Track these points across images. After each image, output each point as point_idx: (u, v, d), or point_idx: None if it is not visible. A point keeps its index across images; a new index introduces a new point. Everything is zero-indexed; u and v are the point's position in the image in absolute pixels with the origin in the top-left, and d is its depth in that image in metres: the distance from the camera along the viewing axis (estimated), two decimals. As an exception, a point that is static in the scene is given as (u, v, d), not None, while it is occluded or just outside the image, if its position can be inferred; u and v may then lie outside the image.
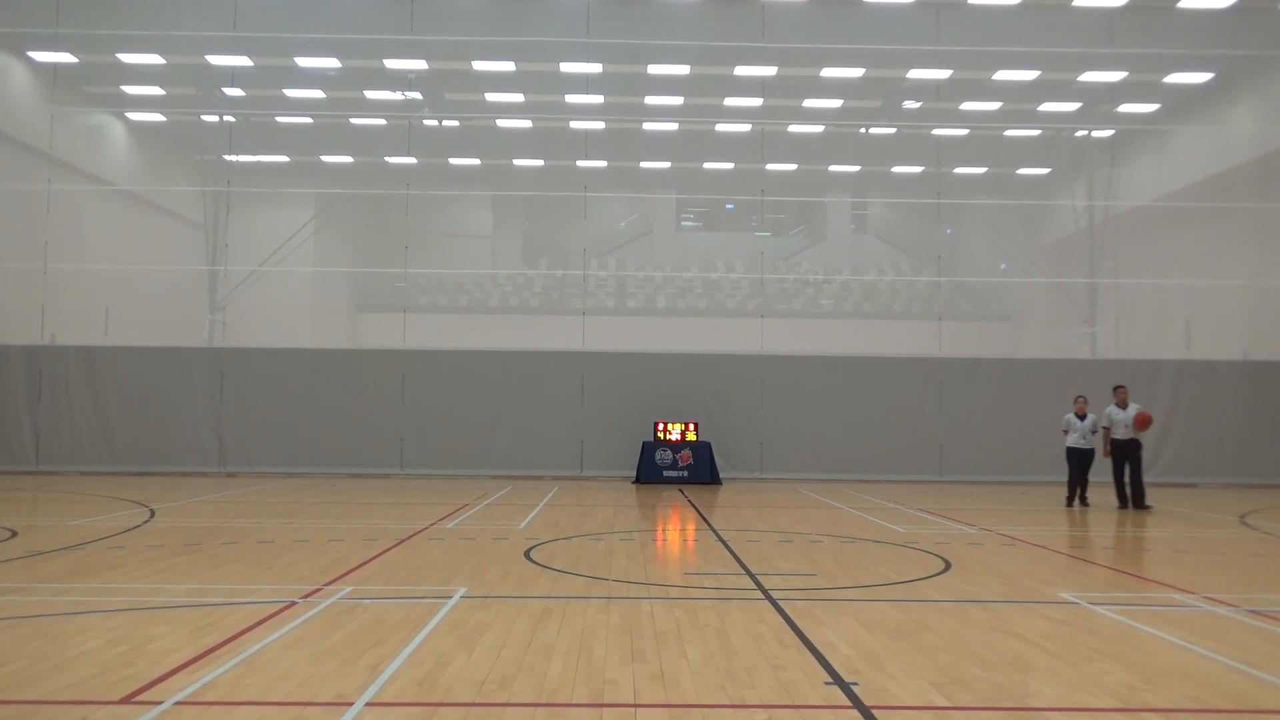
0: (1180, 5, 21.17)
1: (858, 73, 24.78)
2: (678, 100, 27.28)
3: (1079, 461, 15.05)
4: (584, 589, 7.51)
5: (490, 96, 27.17)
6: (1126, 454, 14.51)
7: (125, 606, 6.60)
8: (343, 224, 30.62)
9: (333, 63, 24.73)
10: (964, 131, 26.79)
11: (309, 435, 19.77)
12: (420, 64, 24.73)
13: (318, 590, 7.21)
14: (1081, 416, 15.07)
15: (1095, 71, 23.98)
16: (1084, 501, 15.08)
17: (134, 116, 27.23)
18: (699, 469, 18.84)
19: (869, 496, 16.47)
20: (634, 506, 14.44)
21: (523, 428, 20.10)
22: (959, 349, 22.08)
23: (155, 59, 24.06)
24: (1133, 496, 14.47)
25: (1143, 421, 14.39)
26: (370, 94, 27.09)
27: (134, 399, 19.76)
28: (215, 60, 23.92)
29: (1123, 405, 14.61)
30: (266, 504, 14.09)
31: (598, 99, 26.62)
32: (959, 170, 29.71)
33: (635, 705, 4.49)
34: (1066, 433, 15.24)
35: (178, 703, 4.44)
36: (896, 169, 31.36)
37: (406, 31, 21.93)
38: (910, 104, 26.92)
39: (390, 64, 24.69)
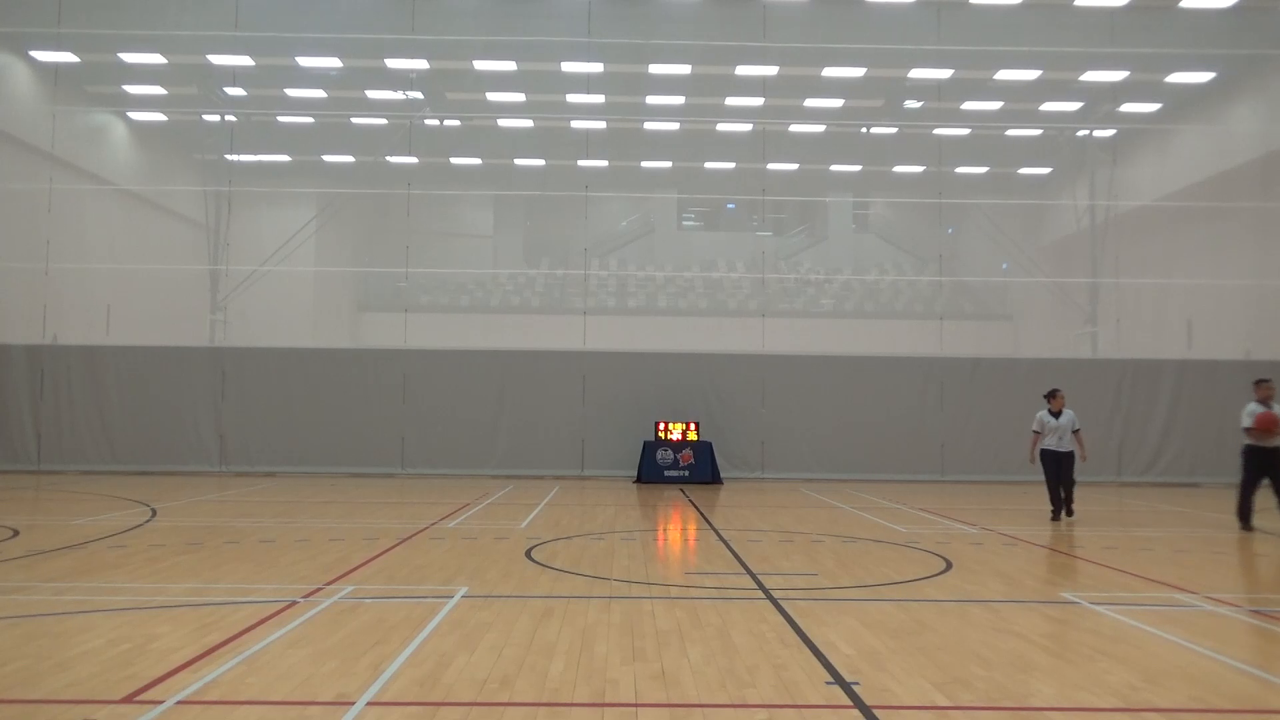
0: (1182, 4, 21.16)
1: (859, 72, 24.77)
2: (679, 100, 27.29)
3: (1056, 466, 12.75)
4: (585, 588, 7.50)
5: (491, 96, 27.19)
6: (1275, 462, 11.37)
7: (127, 606, 6.60)
8: (344, 224, 30.65)
9: (334, 62, 24.74)
10: (965, 131, 26.78)
11: (310, 435, 19.78)
12: (421, 63, 24.74)
13: (319, 590, 7.21)
14: (1057, 414, 12.75)
15: (1096, 71, 23.96)
16: (1069, 511, 12.82)
17: (135, 116, 27.26)
18: (700, 469, 18.83)
19: (870, 496, 16.46)
20: (635, 506, 14.43)
21: (524, 427, 20.09)
22: (960, 349, 22.07)
23: (157, 58, 24.08)
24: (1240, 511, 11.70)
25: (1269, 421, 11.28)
26: (371, 93, 27.10)
27: (135, 398, 19.77)
28: (217, 60, 23.95)
29: (1264, 402, 11.40)
30: (268, 503, 14.09)
31: (599, 99, 26.63)
32: (960, 170, 29.70)
33: (637, 705, 4.49)
34: (1039, 434, 12.84)
35: (179, 702, 4.44)
36: (898, 168, 31.36)
37: (408, 31, 21.94)
38: (911, 103, 26.92)
39: (391, 63, 24.71)
